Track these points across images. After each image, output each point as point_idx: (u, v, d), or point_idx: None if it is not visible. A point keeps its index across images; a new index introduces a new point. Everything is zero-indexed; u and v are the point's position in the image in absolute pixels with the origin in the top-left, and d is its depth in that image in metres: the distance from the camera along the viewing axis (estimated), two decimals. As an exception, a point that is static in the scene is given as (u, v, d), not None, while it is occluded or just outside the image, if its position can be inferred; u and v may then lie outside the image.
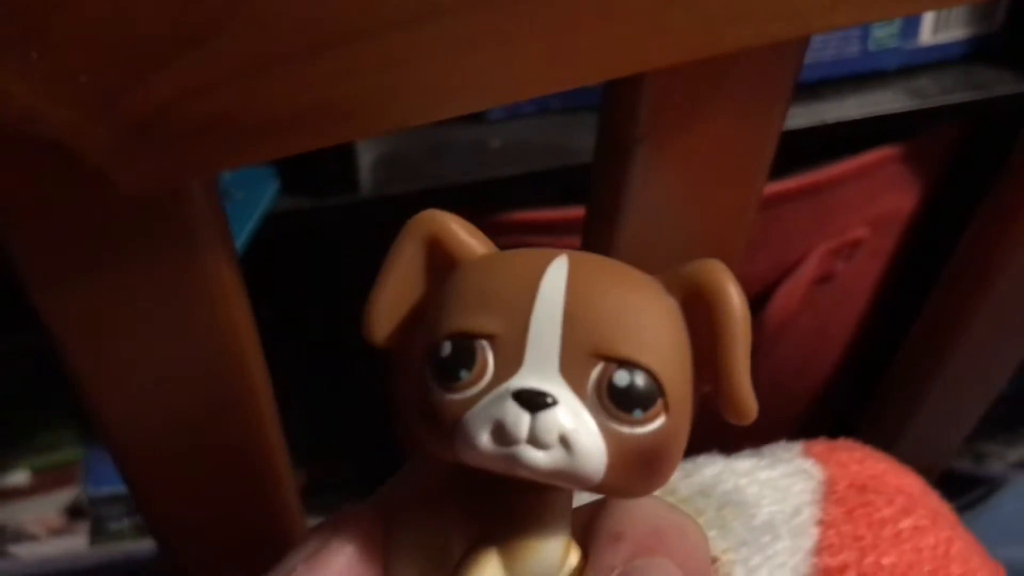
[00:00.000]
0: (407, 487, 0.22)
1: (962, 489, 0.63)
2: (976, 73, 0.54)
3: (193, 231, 0.24)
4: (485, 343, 0.20)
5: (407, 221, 0.22)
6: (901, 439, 0.45)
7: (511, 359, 0.20)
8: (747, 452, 0.30)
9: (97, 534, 0.69)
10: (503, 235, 0.51)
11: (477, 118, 0.51)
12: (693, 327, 0.21)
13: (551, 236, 0.51)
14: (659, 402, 0.20)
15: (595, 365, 0.20)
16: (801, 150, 0.52)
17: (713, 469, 0.29)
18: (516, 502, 0.21)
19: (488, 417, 0.19)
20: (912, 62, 0.53)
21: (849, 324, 0.65)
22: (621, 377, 0.19)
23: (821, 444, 0.30)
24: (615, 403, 0.19)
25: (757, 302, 0.58)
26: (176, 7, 0.19)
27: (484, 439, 0.19)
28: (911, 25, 0.52)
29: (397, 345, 0.22)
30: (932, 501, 0.29)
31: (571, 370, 0.20)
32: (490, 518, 0.21)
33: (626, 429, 0.19)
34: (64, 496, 0.69)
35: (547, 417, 0.19)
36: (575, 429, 0.19)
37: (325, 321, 0.58)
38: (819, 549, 0.27)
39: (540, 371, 0.20)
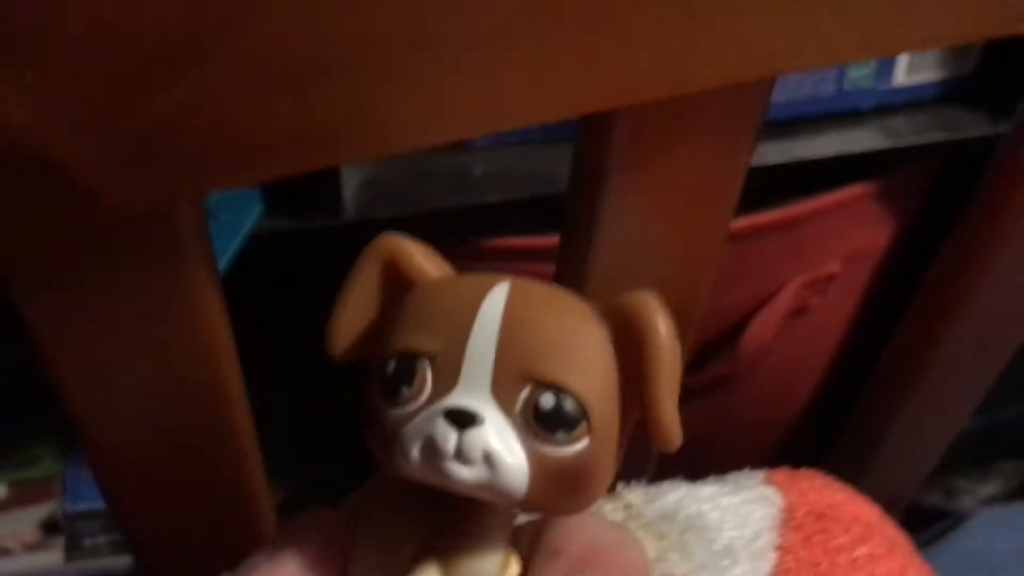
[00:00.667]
0: (371, 494, 0.24)
1: (933, 524, 0.63)
2: (948, 114, 0.56)
3: (178, 250, 0.24)
4: (426, 362, 0.21)
5: (370, 244, 0.24)
6: (867, 470, 0.45)
7: (447, 378, 0.21)
8: (711, 479, 0.31)
9: (72, 550, 0.69)
10: (484, 261, 0.52)
11: (461, 146, 0.52)
12: (624, 355, 0.22)
13: (531, 263, 0.52)
14: (583, 424, 0.21)
15: (524, 387, 0.21)
16: (778, 185, 0.53)
17: (676, 494, 0.30)
18: (456, 514, 0.22)
19: (420, 433, 0.21)
20: (887, 102, 0.55)
21: (822, 356, 0.66)
22: (547, 400, 0.21)
23: (783, 472, 0.31)
24: (540, 424, 0.21)
25: (733, 332, 0.59)
26: (170, 31, 0.19)
27: (415, 453, 0.21)
28: (886, 66, 0.53)
29: (354, 360, 0.24)
30: (888, 530, 0.30)
31: (501, 391, 0.21)
32: (435, 528, 0.22)
33: (548, 449, 0.21)
34: (41, 511, 0.69)
35: (473, 435, 0.20)
36: (499, 448, 0.20)
37: (305, 341, 0.59)
38: (776, 574, 0.28)
39: (473, 391, 0.21)
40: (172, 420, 0.28)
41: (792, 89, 0.52)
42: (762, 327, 0.59)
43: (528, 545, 0.22)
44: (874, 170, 0.56)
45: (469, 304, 0.22)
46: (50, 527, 0.69)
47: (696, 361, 0.57)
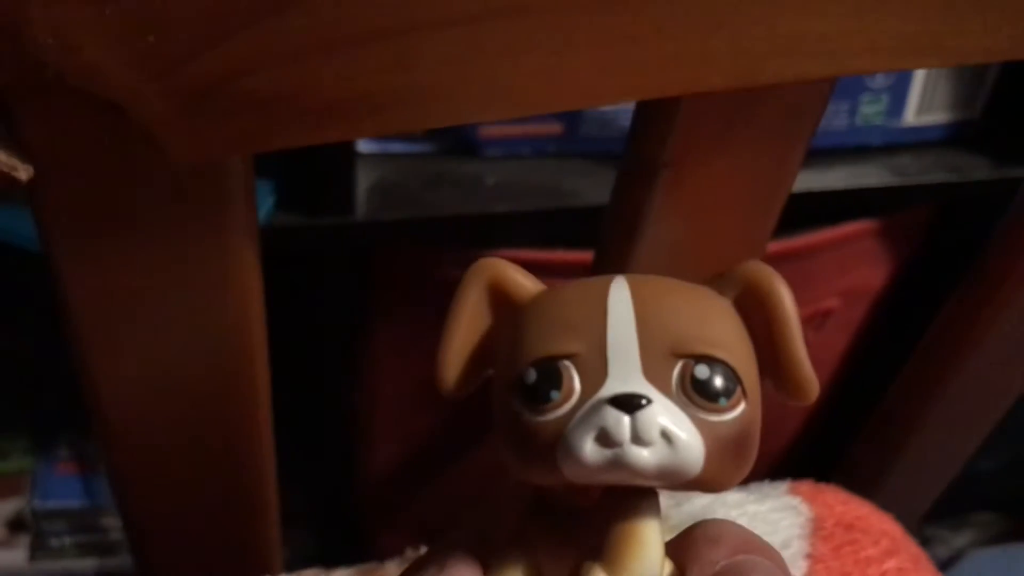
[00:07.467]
0: (492, 526, 0.23)
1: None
2: (954, 157, 0.56)
3: (226, 208, 0.24)
4: (568, 363, 0.21)
5: (468, 268, 0.23)
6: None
7: (596, 373, 0.21)
8: (734, 488, 0.31)
9: (37, 550, 0.67)
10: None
11: (473, 154, 0.51)
12: (746, 323, 0.22)
13: (540, 277, 0.52)
14: (738, 389, 0.21)
15: (675, 364, 0.21)
16: (784, 215, 0.53)
17: (704, 500, 0.29)
18: (609, 518, 0.21)
19: (589, 427, 0.20)
20: (895, 140, 0.55)
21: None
22: (701, 371, 0.21)
23: (807, 484, 0.31)
24: (700, 395, 0.21)
25: (728, 362, 0.58)
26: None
27: (588, 448, 0.20)
28: (897, 105, 0.54)
29: (464, 392, 0.23)
30: (913, 547, 0.30)
31: (653, 372, 0.21)
32: (584, 541, 0.22)
33: (715, 418, 0.21)
34: (8, 507, 0.67)
35: (646, 415, 0.20)
36: (673, 423, 0.20)
37: (305, 339, 0.58)
38: (808, 583, 0.27)
39: (626, 378, 0.21)
40: (194, 388, 0.27)
41: (806, 120, 0.52)
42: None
43: (673, 550, 0.22)
44: (878, 207, 0.57)
45: (595, 300, 0.22)
46: (16, 525, 0.67)
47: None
